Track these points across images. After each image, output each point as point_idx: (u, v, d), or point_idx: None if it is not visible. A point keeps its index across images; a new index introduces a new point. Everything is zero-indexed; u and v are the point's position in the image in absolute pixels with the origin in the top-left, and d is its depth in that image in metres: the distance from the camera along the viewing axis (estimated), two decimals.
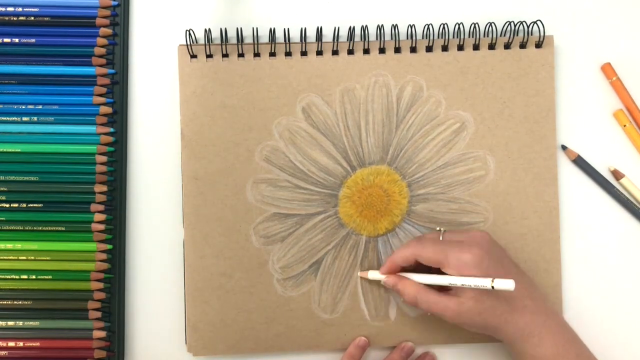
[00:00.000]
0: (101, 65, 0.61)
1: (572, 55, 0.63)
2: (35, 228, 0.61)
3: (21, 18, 0.61)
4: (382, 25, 0.60)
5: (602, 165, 0.62)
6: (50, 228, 0.61)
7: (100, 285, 0.60)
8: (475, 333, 0.57)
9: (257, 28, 0.60)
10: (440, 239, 0.57)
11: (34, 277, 0.60)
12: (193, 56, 0.60)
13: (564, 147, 0.62)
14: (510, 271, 0.56)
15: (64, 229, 0.61)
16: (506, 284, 0.50)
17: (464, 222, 0.61)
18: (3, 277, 0.60)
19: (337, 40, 0.60)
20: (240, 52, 0.60)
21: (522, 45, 0.61)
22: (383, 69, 0.61)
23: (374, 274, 0.60)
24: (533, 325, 0.55)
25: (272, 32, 0.60)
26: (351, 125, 0.61)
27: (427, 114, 0.61)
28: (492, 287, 0.51)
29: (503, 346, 0.60)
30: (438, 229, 0.59)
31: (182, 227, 0.61)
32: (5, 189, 0.61)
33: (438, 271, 0.55)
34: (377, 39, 0.60)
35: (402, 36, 0.61)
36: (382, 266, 0.58)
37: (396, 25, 0.60)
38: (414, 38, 0.60)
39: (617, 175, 0.62)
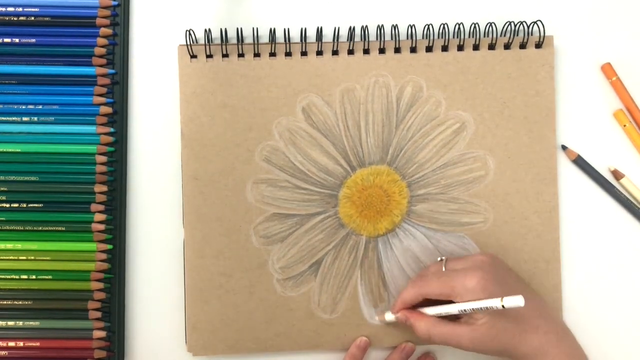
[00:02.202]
0: (101, 65, 0.61)
1: (572, 55, 0.63)
2: (35, 228, 0.60)
3: (21, 18, 0.61)
4: (382, 26, 0.60)
5: (602, 165, 0.62)
6: (50, 228, 0.60)
7: (100, 285, 0.60)
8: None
9: (257, 28, 0.60)
10: (443, 269, 0.57)
11: (34, 277, 0.60)
12: (193, 56, 0.60)
13: (564, 147, 0.62)
14: (518, 290, 0.55)
15: (64, 229, 0.61)
16: (515, 301, 0.50)
17: (464, 222, 0.61)
18: (3, 277, 0.60)
19: (337, 40, 0.60)
20: (240, 52, 0.60)
21: (522, 46, 0.61)
22: (383, 69, 0.61)
23: (389, 316, 0.59)
24: (547, 345, 0.54)
25: (272, 32, 0.60)
26: (351, 125, 0.61)
27: (427, 114, 0.61)
28: (502, 305, 0.51)
29: None
30: (439, 259, 0.58)
31: (182, 227, 0.61)
32: (5, 189, 0.61)
33: (449, 301, 0.55)
34: (377, 39, 0.60)
35: (402, 36, 0.61)
36: (393, 306, 0.59)
37: (396, 25, 0.60)
38: (414, 38, 0.60)
39: (617, 175, 0.62)
